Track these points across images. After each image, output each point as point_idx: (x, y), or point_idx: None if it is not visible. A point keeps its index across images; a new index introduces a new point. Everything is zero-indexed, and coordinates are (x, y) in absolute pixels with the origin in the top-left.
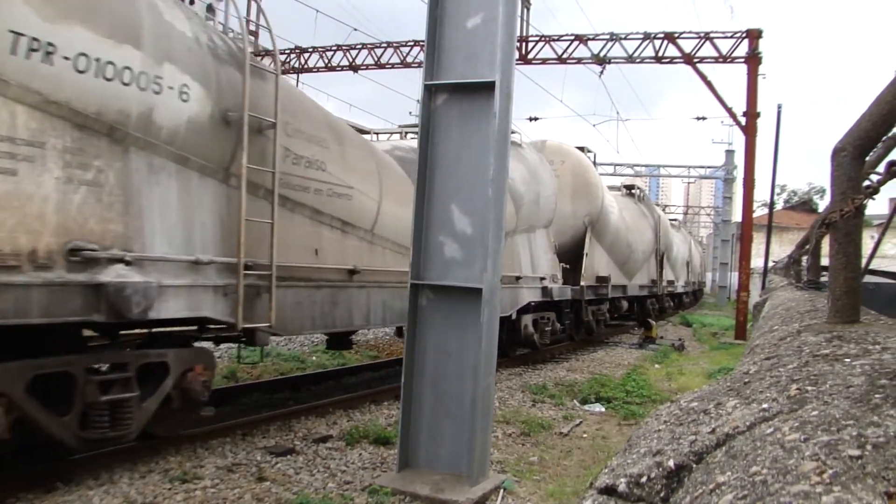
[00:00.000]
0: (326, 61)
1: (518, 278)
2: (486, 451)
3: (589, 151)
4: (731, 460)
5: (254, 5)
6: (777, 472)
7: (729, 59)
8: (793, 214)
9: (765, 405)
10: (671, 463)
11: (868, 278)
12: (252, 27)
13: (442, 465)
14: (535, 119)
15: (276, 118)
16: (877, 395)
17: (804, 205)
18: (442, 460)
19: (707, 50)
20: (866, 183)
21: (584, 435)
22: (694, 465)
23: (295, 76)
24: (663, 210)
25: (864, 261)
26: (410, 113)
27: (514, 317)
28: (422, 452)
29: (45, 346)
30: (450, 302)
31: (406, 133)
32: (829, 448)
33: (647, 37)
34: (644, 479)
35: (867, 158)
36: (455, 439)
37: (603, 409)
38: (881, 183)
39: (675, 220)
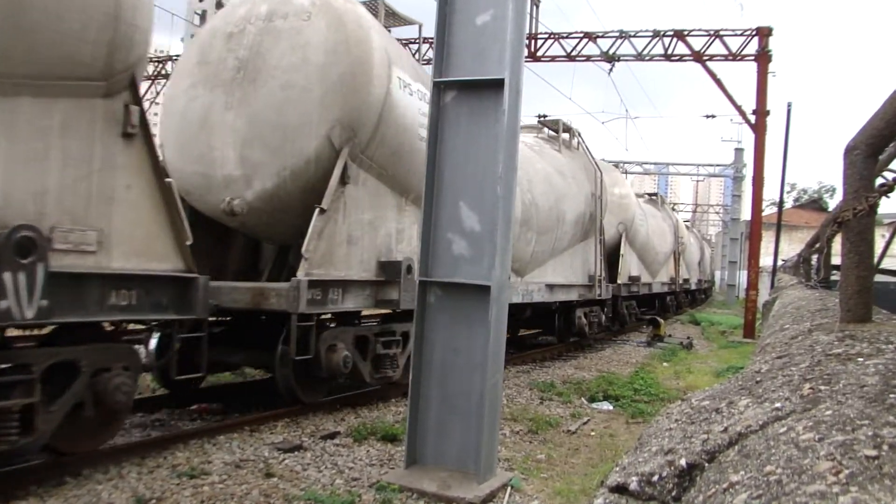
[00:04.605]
0: None
1: None
2: (493, 448)
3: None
4: (744, 459)
5: None
6: (792, 472)
7: (739, 57)
8: (802, 213)
9: (778, 404)
10: (683, 462)
11: (878, 277)
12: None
13: (449, 462)
14: (545, 116)
15: None
16: (892, 395)
17: (814, 203)
18: (449, 457)
19: (717, 48)
20: (880, 181)
21: (592, 433)
22: (706, 465)
23: None
24: (672, 208)
25: (874, 259)
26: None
27: None
28: (429, 449)
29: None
30: (458, 299)
31: None
32: (845, 448)
33: (657, 34)
34: (656, 478)
35: (880, 157)
36: (463, 436)
37: (611, 407)
38: None
39: (687, 221)
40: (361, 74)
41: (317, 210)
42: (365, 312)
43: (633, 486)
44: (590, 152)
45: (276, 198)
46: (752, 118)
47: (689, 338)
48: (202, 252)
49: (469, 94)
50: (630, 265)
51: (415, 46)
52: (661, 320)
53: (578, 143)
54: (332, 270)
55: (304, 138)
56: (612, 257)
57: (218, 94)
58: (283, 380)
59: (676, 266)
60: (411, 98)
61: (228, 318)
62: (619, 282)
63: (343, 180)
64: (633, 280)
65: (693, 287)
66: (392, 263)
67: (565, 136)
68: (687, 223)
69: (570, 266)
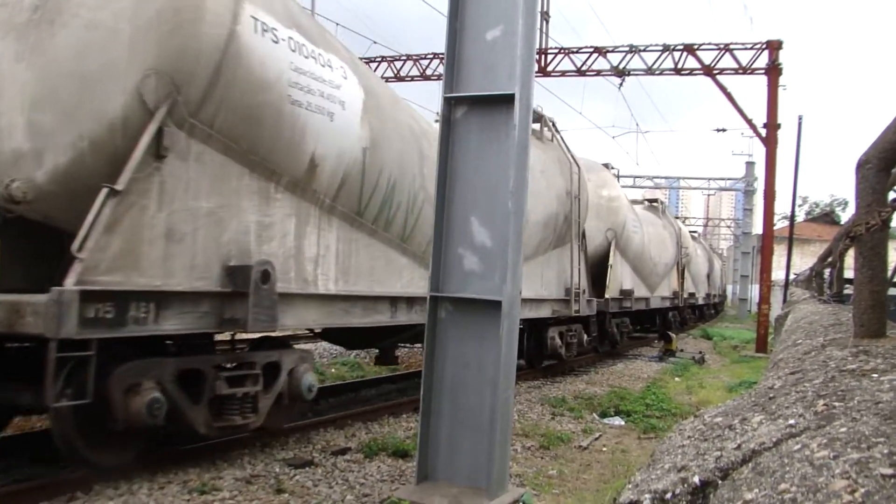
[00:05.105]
0: None
1: None
2: (505, 464)
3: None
4: (758, 477)
5: None
6: (807, 490)
7: (749, 71)
8: (814, 226)
9: (791, 421)
10: (696, 479)
11: (892, 291)
12: None
13: (461, 478)
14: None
15: None
16: None
17: (826, 216)
18: (461, 473)
19: (727, 61)
20: (893, 195)
21: (604, 448)
22: (720, 482)
23: None
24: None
25: (888, 273)
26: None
27: None
28: (440, 465)
29: None
30: (469, 314)
31: None
32: (860, 466)
33: (667, 49)
34: (669, 496)
35: (893, 170)
36: (474, 452)
37: (622, 423)
38: None
39: (694, 231)
40: (188, 10)
41: (103, 192)
42: (241, 336)
43: (646, 503)
44: (566, 145)
45: (74, 178)
46: (763, 132)
47: (700, 352)
48: (15, 257)
49: (480, 109)
50: (622, 277)
51: (424, 62)
52: (673, 335)
53: (552, 134)
54: (136, 277)
55: (106, 93)
56: (600, 268)
57: (10, 42)
58: (59, 431)
59: (680, 279)
60: (277, 47)
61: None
62: (607, 296)
63: (158, 152)
64: (626, 294)
65: (700, 302)
66: (240, 269)
67: (535, 125)
68: (694, 233)
69: (539, 277)
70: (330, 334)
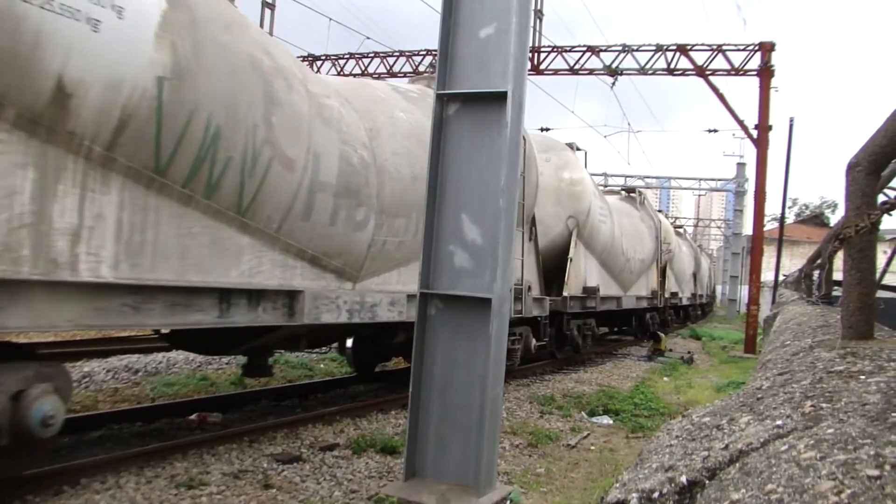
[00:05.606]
0: (339, 69)
1: None
2: (493, 461)
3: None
4: (745, 477)
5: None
6: (793, 491)
7: (741, 72)
8: (804, 228)
9: (779, 422)
10: (683, 479)
11: (880, 293)
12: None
13: (449, 475)
14: (547, 130)
15: None
16: (893, 414)
17: (816, 218)
18: (449, 470)
19: (719, 62)
20: (882, 198)
21: (592, 447)
22: (707, 482)
23: None
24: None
25: (876, 276)
26: None
27: None
28: (428, 462)
29: None
30: (459, 311)
31: None
32: (847, 467)
33: (660, 49)
34: (656, 495)
35: (882, 174)
36: (462, 449)
37: (611, 422)
38: None
39: (679, 227)
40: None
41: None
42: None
43: (633, 502)
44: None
45: None
46: (755, 133)
47: (689, 352)
48: None
49: (472, 106)
50: (585, 272)
51: (417, 59)
52: (662, 335)
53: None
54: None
55: None
56: (558, 262)
57: None
58: None
59: (661, 277)
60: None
61: None
62: (566, 294)
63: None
64: (590, 292)
65: (685, 302)
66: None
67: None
68: (678, 228)
69: None
70: (175, 337)
